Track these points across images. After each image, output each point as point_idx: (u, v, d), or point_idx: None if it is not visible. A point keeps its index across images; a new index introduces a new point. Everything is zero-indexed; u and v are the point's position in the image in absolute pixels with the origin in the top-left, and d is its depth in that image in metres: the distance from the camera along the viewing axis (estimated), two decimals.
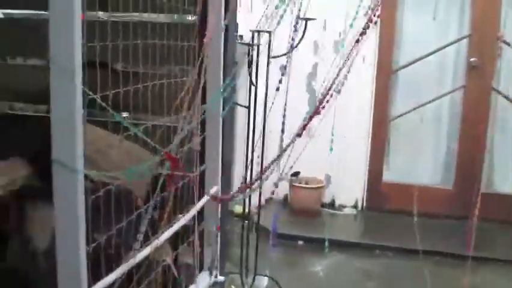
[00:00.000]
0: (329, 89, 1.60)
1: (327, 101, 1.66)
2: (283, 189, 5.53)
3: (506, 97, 5.08)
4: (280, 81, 2.83)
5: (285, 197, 5.65)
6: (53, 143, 1.13)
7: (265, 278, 3.71)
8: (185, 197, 1.98)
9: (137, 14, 2.37)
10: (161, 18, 2.34)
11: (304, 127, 1.64)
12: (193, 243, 2.12)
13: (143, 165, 1.35)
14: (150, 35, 1.91)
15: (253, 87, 3.24)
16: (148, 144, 1.86)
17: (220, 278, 2.36)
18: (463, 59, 5.23)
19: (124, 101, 1.61)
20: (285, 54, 3.15)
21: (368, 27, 1.75)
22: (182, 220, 1.88)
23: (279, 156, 1.72)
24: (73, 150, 1.14)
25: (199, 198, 2.10)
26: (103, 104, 1.22)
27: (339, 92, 2.46)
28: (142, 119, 1.99)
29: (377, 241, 4.75)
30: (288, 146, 1.69)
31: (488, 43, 5.03)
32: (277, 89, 2.90)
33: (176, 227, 1.81)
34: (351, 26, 2.18)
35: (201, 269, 2.30)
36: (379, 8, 1.76)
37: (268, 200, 5.25)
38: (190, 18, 2.20)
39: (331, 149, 4.39)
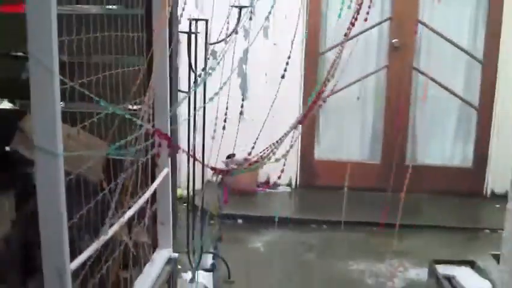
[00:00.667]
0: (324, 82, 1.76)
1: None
2: None
3: (425, 75, 5.42)
4: (210, 68, 2.98)
5: (221, 179, 5.80)
6: (36, 131, 1.25)
7: (210, 255, 3.87)
8: (140, 180, 2.11)
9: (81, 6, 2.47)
10: (104, 10, 2.45)
11: (305, 116, 1.80)
12: (148, 222, 2.26)
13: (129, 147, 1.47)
14: (96, 27, 2.01)
15: (192, 74, 3.37)
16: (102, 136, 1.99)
17: (174, 255, 2.50)
18: (386, 41, 5.53)
19: (75, 91, 1.70)
20: (220, 42, 3.30)
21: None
22: (142, 199, 2.01)
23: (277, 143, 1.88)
24: (54, 137, 1.26)
25: (152, 180, 2.24)
26: (86, 92, 1.33)
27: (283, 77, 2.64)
28: (93, 109, 2.09)
29: (312, 216, 5.01)
30: (286, 135, 1.85)
31: (408, 25, 5.35)
32: (210, 74, 3.04)
33: (137, 206, 1.94)
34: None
35: (155, 247, 2.44)
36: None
37: (206, 183, 5.40)
38: (134, 10, 2.31)
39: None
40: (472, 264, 3.57)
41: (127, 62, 2.17)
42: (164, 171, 2.35)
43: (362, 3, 1.98)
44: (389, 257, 4.19)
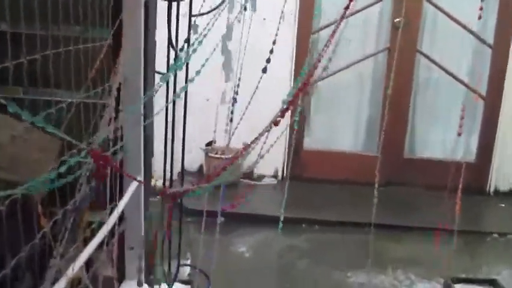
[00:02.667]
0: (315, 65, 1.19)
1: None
2: (197, 159, 5.13)
3: (430, 59, 4.90)
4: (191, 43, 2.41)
5: (200, 168, 5.25)
6: None
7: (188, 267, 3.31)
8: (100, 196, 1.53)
9: None
10: None
11: (282, 112, 1.23)
12: (112, 250, 1.68)
13: (45, 175, 0.90)
14: None
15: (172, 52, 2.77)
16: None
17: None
18: (387, 20, 4.97)
19: (17, 73, 1.13)
20: (206, 13, 2.72)
21: None
22: (107, 224, 1.44)
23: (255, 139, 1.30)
24: None
25: (119, 195, 1.66)
26: None
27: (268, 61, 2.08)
28: (45, 95, 1.50)
29: (302, 214, 4.47)
30: (258, 139, 1.27)
31: (412, 2, 4.80)
32: (194, 51, 2.46)
33: (96, 242, 1.37)
34: None
35: (122, 279, 1.87)
36: None
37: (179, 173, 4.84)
38: None
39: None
40: (493, 283, 3.07)
41: (85, 35, 1.57)
42: (134, 185, 1.77)
43: None
44: (392, 266, 3.68)
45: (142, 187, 1.81)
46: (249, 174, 5.22)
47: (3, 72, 1.10)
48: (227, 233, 4.10)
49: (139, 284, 1.93)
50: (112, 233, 1.63)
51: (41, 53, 1.21)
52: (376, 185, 2.29)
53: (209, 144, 5.05)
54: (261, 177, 5.22)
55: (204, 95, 4.90)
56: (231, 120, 1.50)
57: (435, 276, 3.57)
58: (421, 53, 4.93)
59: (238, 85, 1.50)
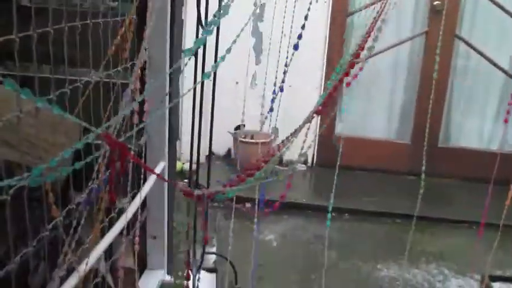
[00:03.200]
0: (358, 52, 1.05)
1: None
2: (225, 143, 5.03)
3: (469, 45, 4.69)
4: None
5: (227, 153, 5.15)
6: None
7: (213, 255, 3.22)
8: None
9: None
10: None
11: (324, 104, 1.09)
12: (133, 239, 1.58)
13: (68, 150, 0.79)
14: None
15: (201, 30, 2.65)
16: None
17: (169, 279, 1.85)
18: (425, 2, 4.77)
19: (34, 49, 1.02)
20: None
21: None
22: (130, 211, 1.34)
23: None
24: None
25: (142, 181, 1.55)
26: None
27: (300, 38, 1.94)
28: (60, 73, 1.39)
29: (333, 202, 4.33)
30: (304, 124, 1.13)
31: None
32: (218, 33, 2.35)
33: (116, 231, 1.27)
34: None
35: (143, 268, 1.77)
36: None
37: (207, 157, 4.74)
38: None
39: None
40: None
41: (104, 9, 1.46)
42: (160, 166, 1.66)
43: None
44: (425, 260, 3.54)
45: (167, 172, 1.71)
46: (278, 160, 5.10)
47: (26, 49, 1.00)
48: (254, 220, 3.99)
49: (169, 272, 1.84)
50: (133, 221, 1.54)
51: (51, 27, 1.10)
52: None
53: (238, 128, 4.95)
54: (290, 163, 5.10)
55: (233, 78, 4.78)
56: (271, 109, 1.37)
57: (470, 272, 3.42)
58: (460, 38, 4.72)
59: (285, 72, 1.36)
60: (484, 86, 4.96)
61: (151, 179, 1.55)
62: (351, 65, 1.00)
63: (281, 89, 1.43)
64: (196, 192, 0.96)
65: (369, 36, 1.02)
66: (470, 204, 4.51)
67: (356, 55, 1.01)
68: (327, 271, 3.40)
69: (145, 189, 1.48)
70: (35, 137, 1.30)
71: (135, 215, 1.51)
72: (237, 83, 4.84)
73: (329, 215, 1.28)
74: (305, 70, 4.79)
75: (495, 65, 4.75)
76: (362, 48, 1.03)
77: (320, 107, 1.07)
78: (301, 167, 5.07)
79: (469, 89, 5.00)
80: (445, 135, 5.05)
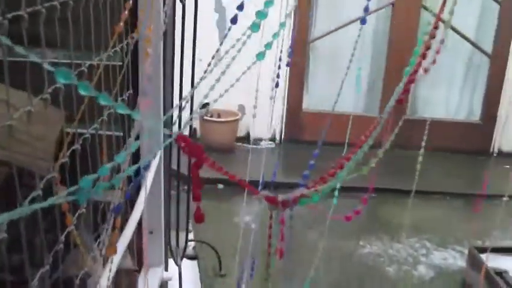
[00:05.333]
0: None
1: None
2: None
3: (435, 14, 4.64)
4: None
5: (193, 132, 4.98)
6: None
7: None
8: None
9: None
10: None
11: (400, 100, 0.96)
12: (135, 236, 1.44)
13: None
14: None
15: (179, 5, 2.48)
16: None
17: (166, 274, 1.72)
18: None
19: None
20: None
21: None
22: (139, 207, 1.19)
23: None
24: None
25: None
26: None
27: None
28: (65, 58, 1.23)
29: (298, 179, 4.25)
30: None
31: None
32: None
33: (132, 228, 1.13)
34: None
35: (140, 266, 1.63)
36: None
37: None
38: None
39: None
40: None
41: None
42: (157, 157, 1.52)
43: None
44: (405, 235, 3.51)
45: (162, 162, 1.57)
46: (245, 138, 4.99)
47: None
48: (228, 201, 3.89)
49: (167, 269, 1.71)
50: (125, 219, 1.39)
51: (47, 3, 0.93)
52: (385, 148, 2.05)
53: (204, 106, 4.79)
54: (258, 140, 4.99)
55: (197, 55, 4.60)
56: (277, 85, 1.25)
57: (451, 244, 3.41)
58: (426, 8, 4.67)
59: (279, 66, 1.24)
60: (451, 57, 4.94)
61: (152, 172, 1.41)
62: (427, 46, 0.88)
63: (276, 85, 1.30)
64: (281, 197, 0.84)
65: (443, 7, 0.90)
66: (440, 175, 4.51)
67: (431, 34, 0.89)
68: (313, 254, 3.32)
69: (148, 184, 1.34)
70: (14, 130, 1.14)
71: (126, 211, 1.37)
72: (200, 60, 4.67)
73: (336, 193, 1.15)
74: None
75: (461, 35, 4.74)
76: (436, 27, 0.90)
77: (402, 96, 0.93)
78: (269, 144, 4.97)
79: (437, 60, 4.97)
80: (412, 107, 5.03)
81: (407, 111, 4.96)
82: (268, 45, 0.80)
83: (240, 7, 0.81)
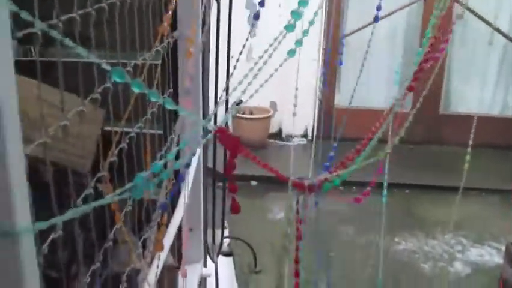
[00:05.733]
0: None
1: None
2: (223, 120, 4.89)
3: (468, 8, 4.59)
4: None
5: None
6: None
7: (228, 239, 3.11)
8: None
9: None
10: None
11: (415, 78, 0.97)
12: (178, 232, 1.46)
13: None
14: None
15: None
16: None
17: (205, 271, 1.74)
18: None
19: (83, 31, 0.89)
20: None
21: None
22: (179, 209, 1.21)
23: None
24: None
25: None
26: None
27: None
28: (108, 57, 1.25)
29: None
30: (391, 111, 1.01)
31: None
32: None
33: (175, 226, 1.15)
34: None
35: (180, 263, 1.65)
36: None
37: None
38: None
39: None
40: None
41: None
42: (197, 153, 1.54)
43: None
44: (440, 231, 3.48)
45: (201, 160, 1.59)
46: (277, 135, 5.01)
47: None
48: (261, 198, 3.90)
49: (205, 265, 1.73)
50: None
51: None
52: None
53: (237, 104, 4.81)
54: (290, 137, 5.00)
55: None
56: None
57: (487, 240, 3.37)
58: (460, 3, 4.61)
59: (324, 64, 1.24)
60: (484, 51, 4.87)
61: (192, 169, 1.43)
62: (440, 27, 0.88)
63: (324, 84, 1.31)
64: (307, 182, 0.85)
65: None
66: (476, 170, 4.45)
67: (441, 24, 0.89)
68: (348, 250, 3.32)
69: (190, 180, 1.36)
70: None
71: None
72: (232, 57, 4.69)
73: (385, 191, 1.15)
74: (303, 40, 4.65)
75: (496, 30, 4.67)
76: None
77: (413, 83, 0.95)
78: (301, 141, 4.97)
79: (470, 55, 4.91)
80: (446, 102, 4.98)
81: (440, 106, 4.92)
82: (299, 43, 0.81)
83: (261, 3, 0.81)
